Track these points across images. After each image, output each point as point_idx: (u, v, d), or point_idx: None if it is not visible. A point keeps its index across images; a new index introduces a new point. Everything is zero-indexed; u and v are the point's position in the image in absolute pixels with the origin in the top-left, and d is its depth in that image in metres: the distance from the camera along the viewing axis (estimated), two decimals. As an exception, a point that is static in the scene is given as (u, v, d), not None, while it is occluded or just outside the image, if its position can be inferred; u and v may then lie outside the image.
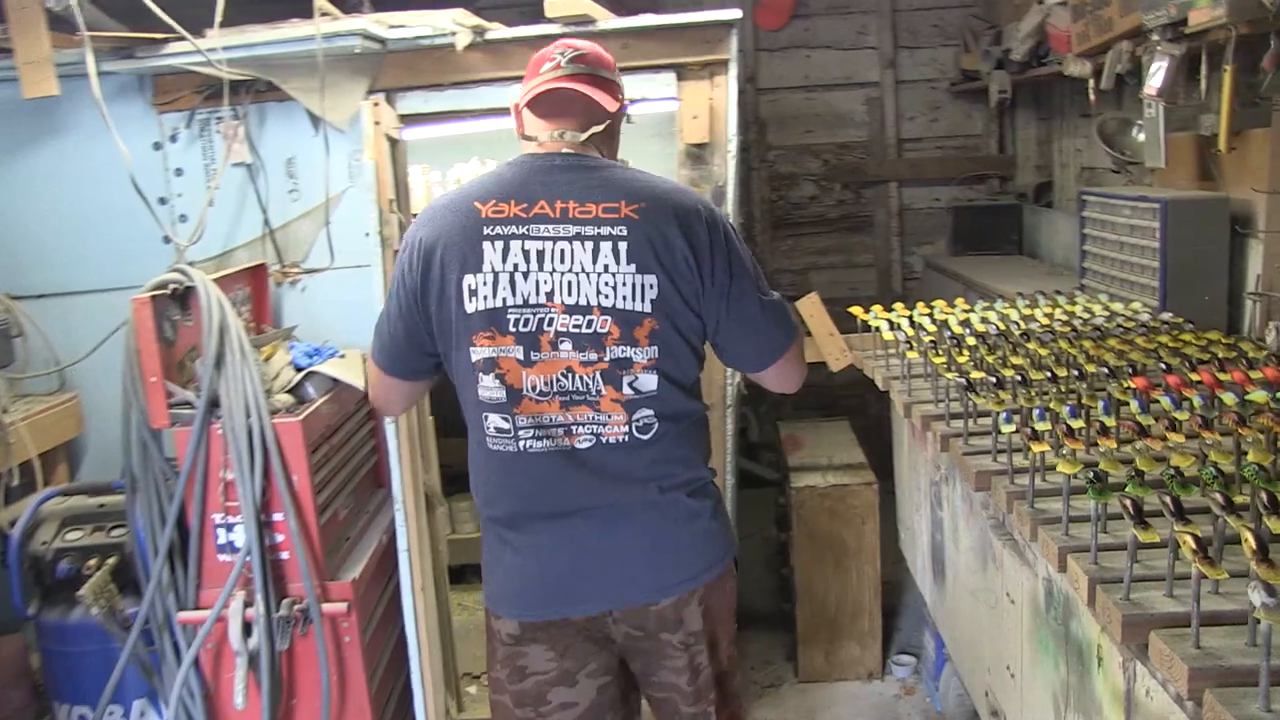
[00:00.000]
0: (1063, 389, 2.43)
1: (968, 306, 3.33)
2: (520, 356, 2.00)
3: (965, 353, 2.77)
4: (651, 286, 2.00)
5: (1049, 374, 2.46)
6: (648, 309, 2.00)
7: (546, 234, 2.00)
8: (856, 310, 3.38)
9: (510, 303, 1.99)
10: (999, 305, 3.35)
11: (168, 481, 2.79)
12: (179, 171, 3.42)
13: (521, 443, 2.03)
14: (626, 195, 2.03)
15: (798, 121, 5.95)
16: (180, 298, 2.83)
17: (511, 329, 1.99)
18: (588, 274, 1.99)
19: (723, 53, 3.33)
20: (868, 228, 6.05)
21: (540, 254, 1.99)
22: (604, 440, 2.03)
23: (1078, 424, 2.09)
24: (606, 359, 2.00)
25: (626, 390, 2.02)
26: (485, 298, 1.99)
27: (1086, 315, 3.14)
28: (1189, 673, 1.40)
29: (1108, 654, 1.75)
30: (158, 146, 3.40)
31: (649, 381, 2.03)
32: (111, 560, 2.82)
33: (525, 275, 1.99)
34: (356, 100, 3.21)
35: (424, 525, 3.06)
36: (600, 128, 2.11)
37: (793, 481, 3.92)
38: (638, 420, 2.04)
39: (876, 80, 5.90)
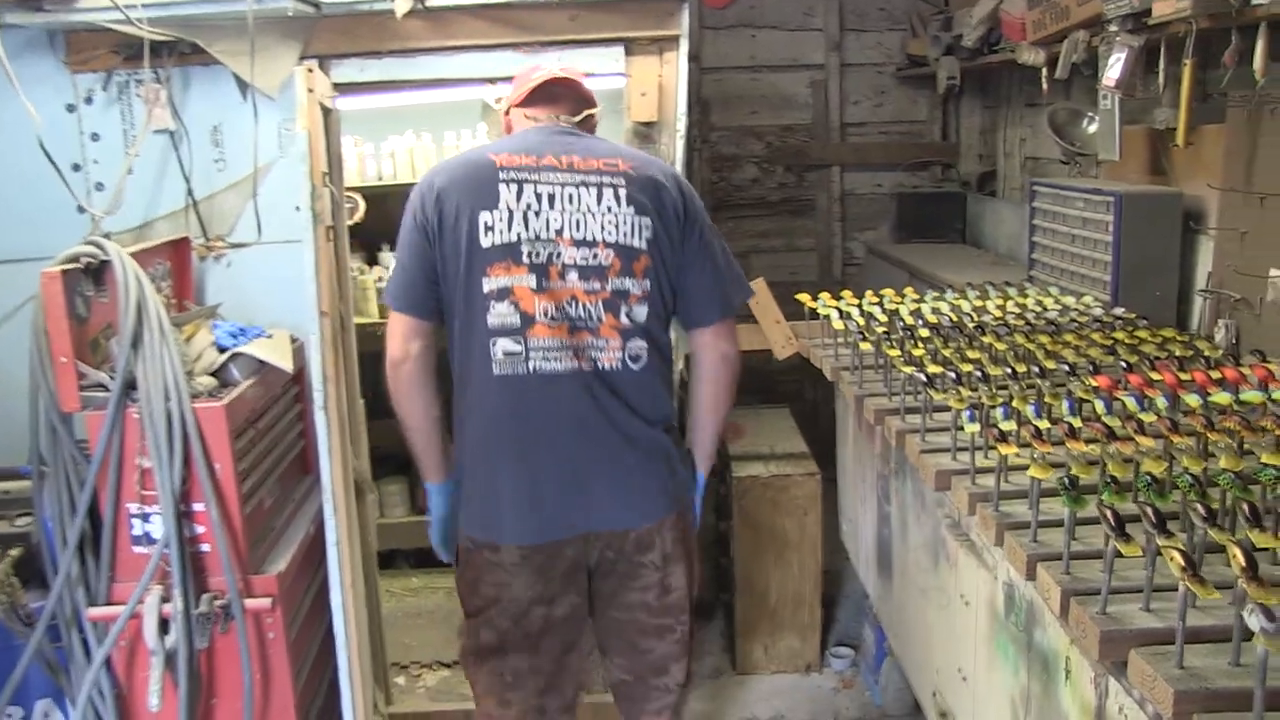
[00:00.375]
0: (1023, 385, 2.36)
1: (918, 296, 3.27)
2: (533, 285, 2.22)
3: (919, 345, 2.71)
4: (646, 227, 2.28)
5: (1008, 369, 2.40)
6: (644, 246, 2.28)
7: (555, 180, 2.27)
8: (804, 297, 3.30)
9: (524, 236, 2.23)
10: (949, 296, 3.30)
11: (78, 467, 2.61)
12: (95, 136, 3.20)
13: (531, 364, 2.23)
14: (621, 156, 2.35)
15: (742, 102, 5.84)
16: (94, 272, 2.65)
17: (525, 260, 2.23)
18: (593, 214, 2.26)
19: (673, 28, 3.21)
20: (809, 212, 5.98)
21: (551, 196, 2.26)
22: (602, 365, 2.25)
23: (1044, 424, 2.02)
24: (608, 289, 2.26)
25: (624, 319, 2.27)
26: (501, 232, 2.23)
27: (1039, 309, 3.10)
28: (1174, 695, 1.33)
29: (1077, 666, 1.68)
30: (71, 109, 3.18)
31: (641, 313, 2.29)
32: (15, 552, 2.64)
33: (537, 214, 2.24)
34: (288, 66, 3.03)
35: (354, 516, 2.92)
36: (592, 110, 2.47)
37: (734, 471, 3.84)
38: (630, 349, 2.28)
39: (822, 63, 5.81)
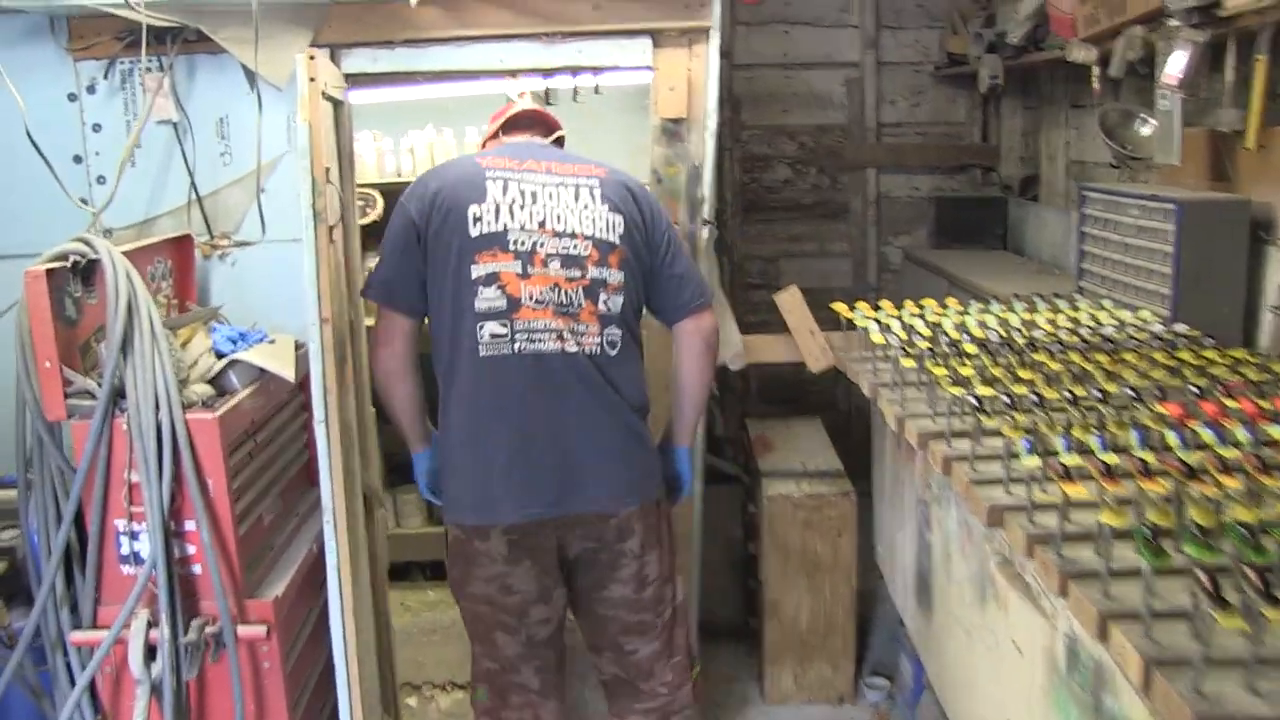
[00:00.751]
0: (1083, 410, 2.16)
1: (961, 307, 3.07)
2: (519, 270, 2.39)
3: (966, 363, 2.50)
4: (619, 224, 2.49)
5: (1066, 392, 2.19)
6: (618, 240, 2.48)
7: (536, 181, 2.48)
8: (840, 307, 3.11)
9: (510, 226, 2.41)
10: (995, 308, 3.09)
11: (65, 479, 2.45)
12: (97, 127, 3.07)
13: (516, 344, 2.36)
14: (594, 164, 2.58)
15: (774, 100, 5.63)
16: (84, 271, 2.48)
17: (511, 247, 2.40)
18: (571, 209, 2.46)
19: (704, 19, 3.03)
20: (843, 215, 5.76)
21: (534, 194, 2.46)
22: (585, 349, 2.40)
23: (1112, 459, 1.81)
24: (587, 277, 2.43)
25: (601, 307, 2.43)
26: (489, 223, 2.40)
27: (1093, 323, 2.88)
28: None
29: (1158, 743, 1.48)
30: (73, 98, 3.05)
31: (617, 302, 2.46)
32: (-2, 567, 2.49)
33: (521, 207, 2.43)
34: (296, 55, 2.86)
35: (360, 536, 2.75)
36: (561, 134, 2.77)
37: (764, 489, 3.63)
38: (608, 335, 2.44)
39: (857, 61, 5.60)
